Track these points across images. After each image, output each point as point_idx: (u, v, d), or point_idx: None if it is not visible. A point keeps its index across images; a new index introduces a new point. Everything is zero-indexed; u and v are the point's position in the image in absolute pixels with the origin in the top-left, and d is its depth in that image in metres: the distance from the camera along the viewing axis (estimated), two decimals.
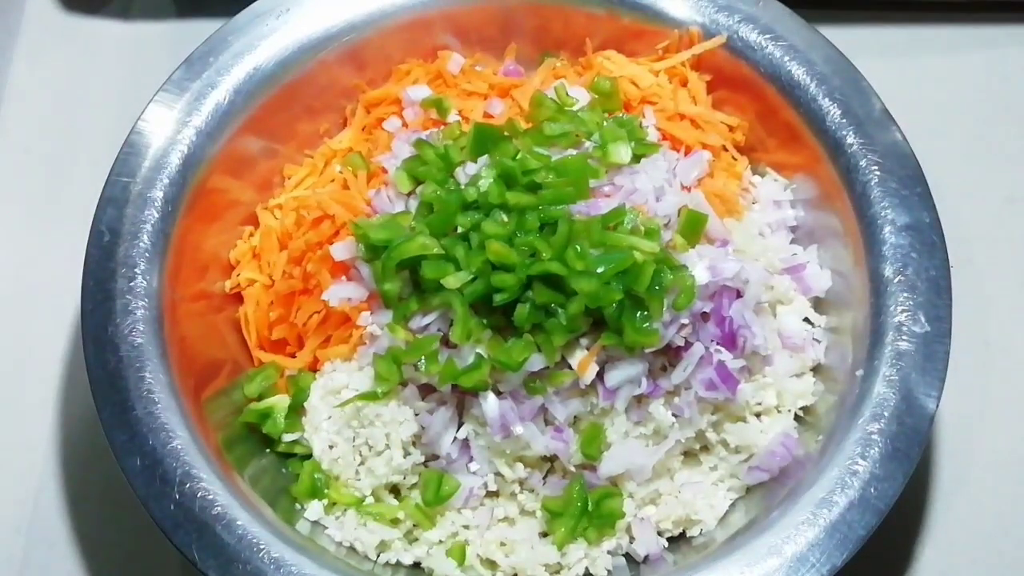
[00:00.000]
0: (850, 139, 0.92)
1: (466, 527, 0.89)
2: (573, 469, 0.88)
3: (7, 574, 0.97)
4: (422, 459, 0.89)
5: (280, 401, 0.92)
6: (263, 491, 0.87)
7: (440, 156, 0.91)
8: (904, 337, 0.86)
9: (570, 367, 0.85)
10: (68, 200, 1.10)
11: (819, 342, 0.94)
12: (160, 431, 0.83)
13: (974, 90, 1.15)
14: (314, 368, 0.93)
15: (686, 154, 0.97)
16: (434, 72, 1.02)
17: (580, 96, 0.97)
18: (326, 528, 0.89)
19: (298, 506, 0.90)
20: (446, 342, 0.86)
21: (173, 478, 0.82)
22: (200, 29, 1.05)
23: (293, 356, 0.94)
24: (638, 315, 0.84)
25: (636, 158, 0.92)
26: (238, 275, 0.96)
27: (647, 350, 0.85)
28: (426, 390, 0.88)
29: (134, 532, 0.96)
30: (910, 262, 0.88)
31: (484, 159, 0.90)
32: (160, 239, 0.89)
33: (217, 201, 0.95)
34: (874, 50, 1.15)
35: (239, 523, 0.81)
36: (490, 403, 0.85)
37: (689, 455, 0.92)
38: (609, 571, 0.88)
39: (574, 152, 0.91)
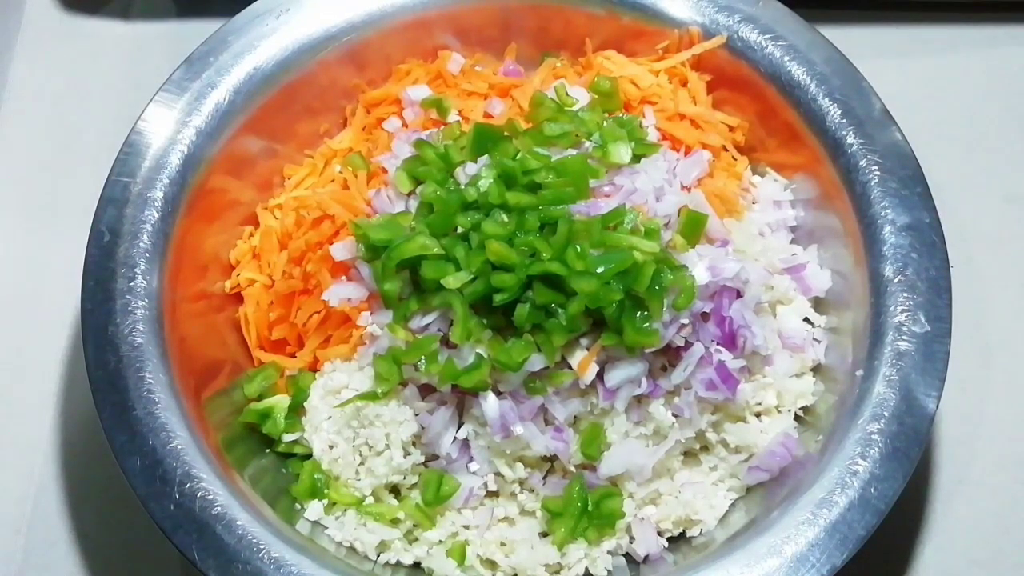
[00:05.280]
0: (850, 139, 0.92)
1: (466, 527, 0.89)
2: (573, 469, 0.88)
3: (7, 574, 0.97)
4: (422, 459, 0.89)
5: (280, 401, 0.92)
6: (263, 491, 0.87)
7: (440, 156, 0.91)
8: (904, 337, 0.86)
9: (570, 367, 0.85)
10: (68, 200, 1.10)
11: (819, 342, 0.94)
12: (160, 431, 0.83)
13: (974, 90, 1.15)
14: (314, 368, 0.93)
15: (686, 154, 0.97)
16: (434, 72, 1.02)
17: (580, 96, 0.97)
18: (326, 528, 0.89)
19: (298, 506, 0.89)
20: (446, 342, 0.86)
21: (173, 478, 0.82)
22: (200, 29, 1.05)
23: (293, 356, 0.94)
24: (638, 315, 0.84)
25: (636, 158, 0.92)
26: (238, 275, 0.96)
27: (647, 350, 0.85)
28: (426, 390, 0.88)
29: (134, 532, 0.96)
30: (910, 262, 0.88)
31: (484, 159, 0.90)
32: (160, 239, 0.89)
33: (217, 201, 0.95)
34: (874, 50, 1.15)
35: (239, 523, 0.81)
36: (490, 403, 0.85)
37: (689, 455, 0.92)
38: (609, 571, 0.88)
39: (574, 152, 0.91)
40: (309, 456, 0.91)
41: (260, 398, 0.92)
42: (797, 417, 0.93)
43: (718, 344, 0.88)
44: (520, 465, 0.88)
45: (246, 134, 0.96)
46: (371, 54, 1.00)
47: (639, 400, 0.88)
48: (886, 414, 0.84)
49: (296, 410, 0.92)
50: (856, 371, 0.87)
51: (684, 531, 0.90)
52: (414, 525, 0.89)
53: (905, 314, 0.87)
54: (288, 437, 0.91)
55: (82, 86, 1.17)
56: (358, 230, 0.88)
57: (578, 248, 0.83)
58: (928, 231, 0.89)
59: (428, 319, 0.86)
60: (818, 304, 0.96)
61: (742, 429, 0.90)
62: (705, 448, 0.91)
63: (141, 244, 0.89)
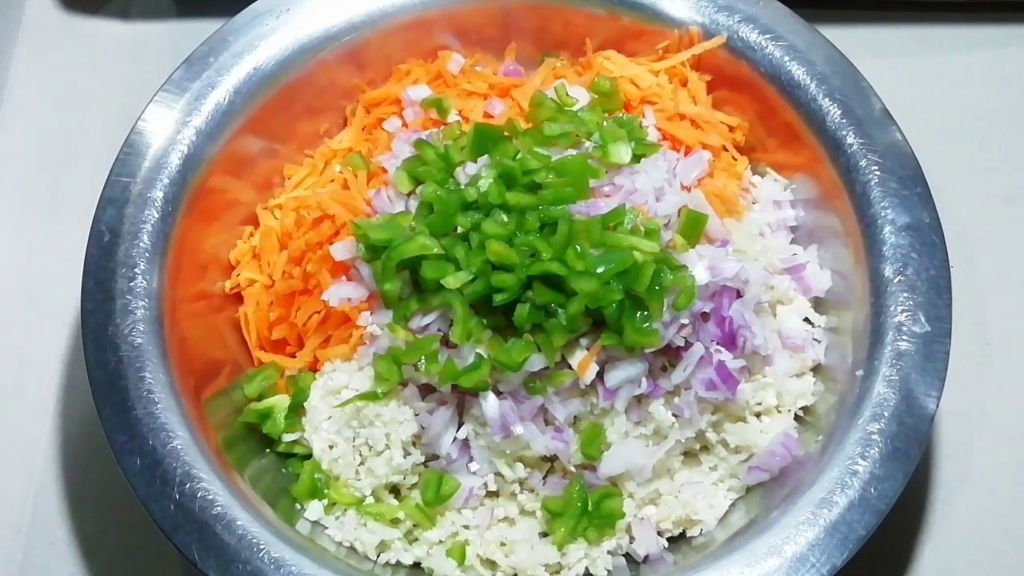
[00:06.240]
0: (850, 139, 0.92)
1: (466, 527, 0.89)
2: (573, 469, 0.88)
3: (7, 574, 0.97)
4: (422, 459, 0.89)
5: (280, 401, 0.92)
6: (263, 491, 0.87)
7: (440, 156, 0.91)
8: (904, 337, 0.86)
9: (570, 367, 0.85)
10: (68, 200, 1.10)
11: (819, 342, 0.94)
12: (160, 431, 0.83)
13: (974, 90, 1.15)
14: (314, 368, 0.93)
15: (686, 154, 0.97)
16: (434, 72, 1.02)
17: (580, 96, 0.97)
18: (326, 528, 0.89)
19: (298, 506, 0.89)
20: (446, 342, 0.86)
21: (173, 478, 0.82)
22: (200, 29, 1.05)
23: (293, 356, 0.94)
24: (638, 315, 0.84)
25: (636, 158, 0.92)
26: (238, 275, 0.96)
27: (647, 350, 0.85)
28: (426, 390, 0.88)
29: (134, 532, 0.96)
30: (910, 262, 0.88)
31: (484, 159, 0.90)
32: (160, 239, 0.89)
33: (217, 201, 0.95)
34: (874, 50, 1.15)
35: (239, 523, 0.81)
36: (490, 403, 0.85)
37: (689, 455, 0.92)
38: (609, 571, 0.88)
39: (574, 152, 0.91)
40: (309, 456, 0.91)
41: (260, 398, 0.92)
42: (797, 417, 0.93)
43: (718, 344, 0.88)
44: (520, 465, 0.88)
45: (246, 134, 0.96)
46: (371, 54, 1.00)
47: (639, 400, 0.88)
48: (886, 414, 0.84)
49: (296, 410, 0.92)
50: (856, 371, 0.87)
51: (684, 531, 0.90)
52: (414, 525, 0.89)
53: (905, 314, 0.87)
54: (288, 437, 0.91)
55: (82, 86, 1.17)
56: (358, 230, 0.88)
57: (578, 248, 0.83)
58: (928, 231, 0.89)
59: (428, 319, 0.86)
60: (818, 304, 0.96)
61: (742, 429, 0.90)
62: (705, 448, 0.91)
63: (141, 244, 0.89)
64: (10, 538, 0.98)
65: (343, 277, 0.91)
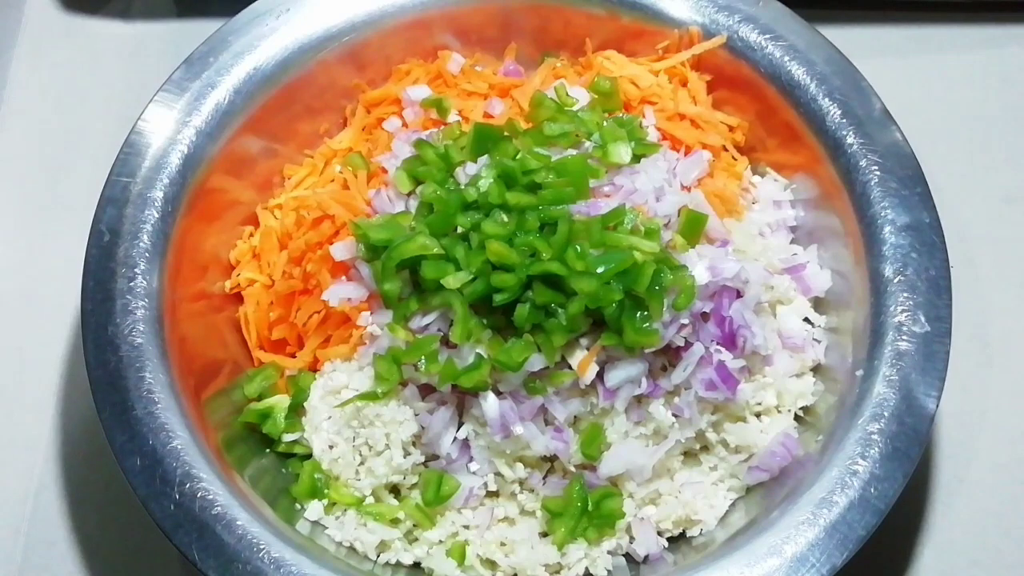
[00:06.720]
0: (850, 139, 0.92)
1: (466, 527, 0.89)
2: (573, 469, 0.88)
3: (7, 574, 0.97)
4: (422, 459, 0.89)
5: (280, 401, 0.92)
6: (263, 491, 0.87)
7: (440, 156, 0.91)
8: (904, 337, 0.86)
9: (570, 367, 0.85)
10: (68, 200, 1.10)
11: (819, 342, 0.94)
12: (160, 431, 0.83)
13: (974, 90, 1.15)
14: (314, 368, 0.93)
15: (686, 154, 0.97)
16: (434, 72, 1.02)
17: (580, 96, 0.97)
18: (326, 528, 0.89)
19: (298, 506, 0.89)
20: (446, 342, 0.86)
21: (173, 478, 0.82)
22: (200, 29, 1.05)
23: (293, 356, 0.94)
24: (638, 315, 0.84)
25: (636, 158, 0.92)
26: (238, 275, 0.96)
27: (647, 350, 0.85)
28: (426, 390, 0.88)
29: (134, 532, 0.96)
30: (910, 262, 0.88)
31: (484, 159, 0.90)
32: (160, 239, 0.89)
33: (217, 201, 0.95)
34: (874, 50, 1.15)
35: (239, 523, 0.81)
36: (490, 403, 0.85)
37: (689, 455, 0.92)
38: (609, 571, 0.88)
39: (574, 152, 0.91)
40: (309, 456, 0.91)
41: (260, 398, 0.92)
42: (797, 417, 0.93)
43: (718, 344, 0.88)
44: (520, 465, 0.88)
45: (246, 134, 0.96)
46: (371, 54, 1.00)
47: (639, 400, 0.88)
48: (886, 414, 0.84)
49: (296, 410, 0.92)
50: (856, 371, 0.87)
51: (684, 531, 0.90)
52: (414, 525, 0.89)
53: (905, 314, 0.87)
54: (288, 437, 0.91)
55: (82, 86, 1.17)
56: (358, 230, 0.88)
57: (578, 248, 0.83)
58: (928, 231, 0.89)
59: (428, 319, 0.86)
60: (818, 304, 0.96)
61: (742, 429, 0.90)
62: (705, 448, 0.91)
63: (141, 244, 0.89)
64: (10, 538, 0.98)
65: (343, 277, 0.91)
